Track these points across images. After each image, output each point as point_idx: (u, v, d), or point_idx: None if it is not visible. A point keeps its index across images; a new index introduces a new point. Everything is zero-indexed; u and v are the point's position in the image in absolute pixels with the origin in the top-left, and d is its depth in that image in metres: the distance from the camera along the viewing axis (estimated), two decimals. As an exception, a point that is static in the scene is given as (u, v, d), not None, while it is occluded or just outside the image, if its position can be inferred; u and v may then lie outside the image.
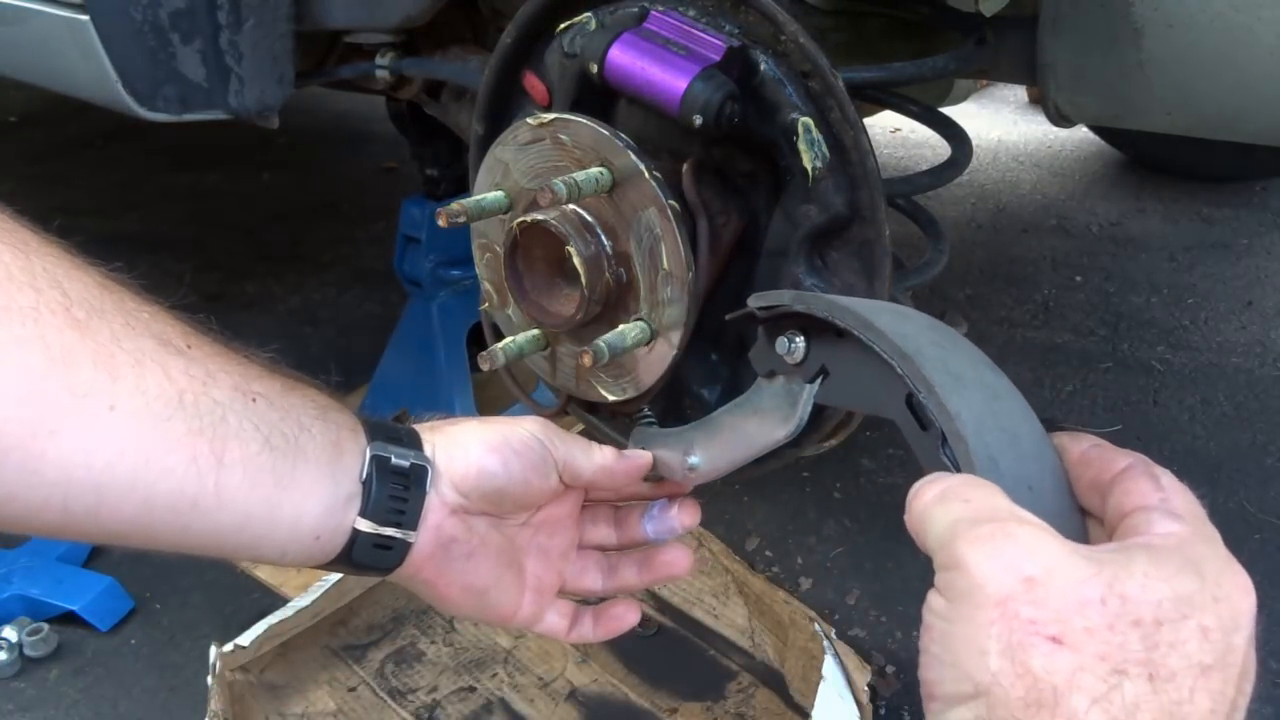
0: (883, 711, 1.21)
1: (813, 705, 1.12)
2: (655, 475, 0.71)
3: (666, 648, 1.29)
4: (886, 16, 1.18)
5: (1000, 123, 3.39)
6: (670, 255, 0.70)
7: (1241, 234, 2.50)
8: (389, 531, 0.60)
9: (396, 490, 0.60)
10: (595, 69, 0.73)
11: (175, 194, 2.80)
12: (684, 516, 0.71)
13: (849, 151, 0.69)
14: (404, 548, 0.61)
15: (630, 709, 1.20)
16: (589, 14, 0.76)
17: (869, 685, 1.19)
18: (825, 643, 1.20)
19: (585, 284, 0.72)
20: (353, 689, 1.22)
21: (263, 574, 1.40)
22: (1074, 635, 0.38)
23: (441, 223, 0.72)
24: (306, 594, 1.27)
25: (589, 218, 0.73)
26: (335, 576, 1.29)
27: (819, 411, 0.62)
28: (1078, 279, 2.30)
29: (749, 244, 0.78)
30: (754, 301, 0.61)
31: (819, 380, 0.59)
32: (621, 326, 0.73)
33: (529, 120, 0.75)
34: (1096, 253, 2.43)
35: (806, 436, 0.76)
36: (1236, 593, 0.41)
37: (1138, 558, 0.40)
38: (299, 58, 1.18)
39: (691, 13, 0.73)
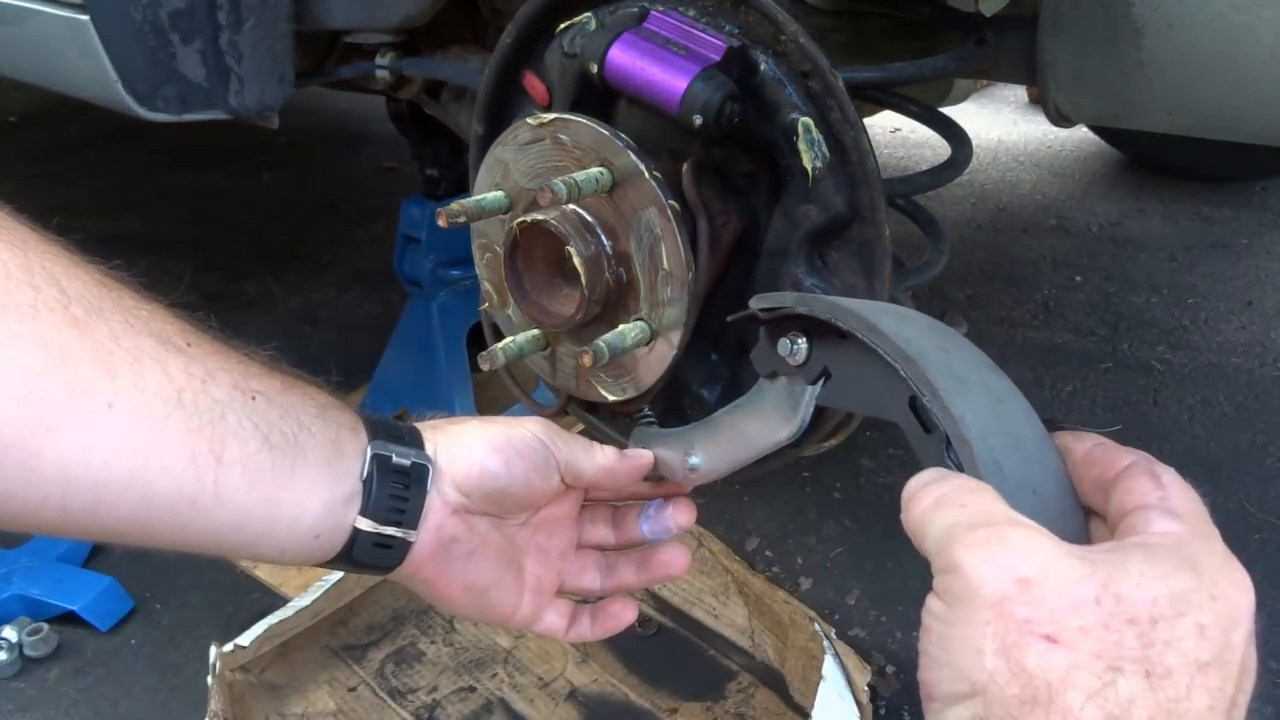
0: (883, 711, 1.21)
1: (813, 705, 1.12)
2: (656, 475, 0.71)
3: (666, 648, 1.29)
4: (886, 16, 1.18)
5: (1000, 123, 3.39)
6: (670, 255, 0.70)
7: (1241, 234, 2.50)
8: (389, 530, 0.60)
9: (397, 489, 0.60)
10: (595, 69, 0.73)
11: (175, 194, 2.80)
12: (679, 516, 0.71)
13: (849, 151, 0.69)
14: (404, 547, 0.61)
15: (630, 709, 1.20)
16: (589, 14, 0.76)
17: (869, 685, 1.19)
18: (825, 643, 1.20)
19: (585, 284, 0.72)
20: (353, 689, 1.22)
21: (263, 574, 1.40)
22: (1069, 634, 0.39)
23: (441, 223, 0.72)
24: (306, 594, 1.27)
25: (589, 218, 0.73)
26: (335, 576, 1.29)
27: (819, 412, 0.62)
28: (1078, 279, 2.30)
29: (749, 244, 0.78)
30: (756, 303, 0.61)
31: (821, 382, 0.59)
32: (621, 326, 0.73)
33: (529, 120, 0.75)
34: (1096, 253, 2.43)
35: (807, 436, 0.76)
36: (1234, 590, 0.41)
37: (1134, 557, 0.41)
38: (299, 58, 1.18)
39: (691, 13, 0.73)
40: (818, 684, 1.14)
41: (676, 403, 0.81)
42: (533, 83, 0.81)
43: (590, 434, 0.84)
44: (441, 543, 0.63)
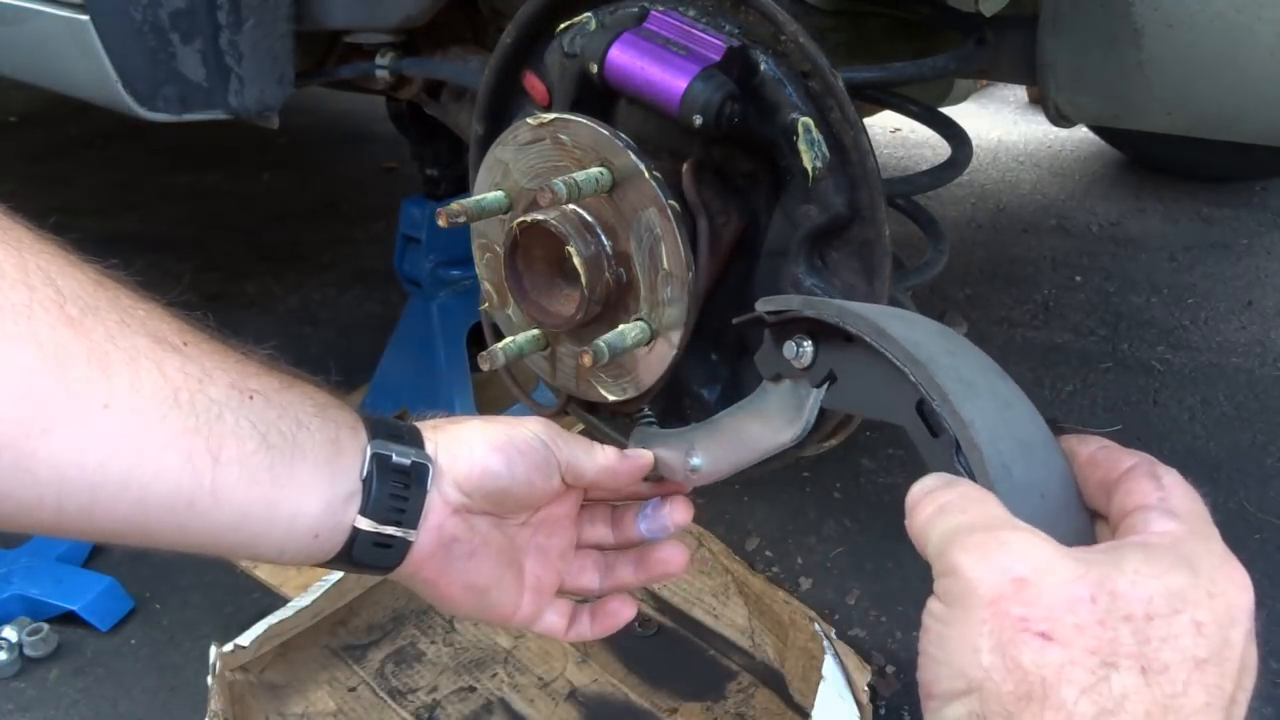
0: (883, 711, 1.21)
1: (813, 705, 1.12)
2: (656, 476, 0.71)
3: (666, 648, 1.29)
4: (886, 16, 1.18)
5: (1000, 123, 3.39)
6: (670, 255, 0.70)
7: (1241, 234, 2.50)
8: (389, 530, 0.60)
9: (397, 489, 0.60)
10: (595, 69, 0.73)
11: (175, 194, 2.80)
12: (676, 514, 0.71)
13: (849, 151, 0.69)
14: (404, 546, 0.61)
15: (630, 709, 1.20)
16: (589, 14, 0.76)
17: (869, 685, 1.19)
18: (825, 643, 1.20)
19: (585, 284, 0.72)
20: (353, 689, 1.22)
21: (263, 574, 1.40)
22: (1064, 631, 0.39)
23: (441, 223, 0.72)
24: (306, 594, 1.27)
25: (589, 218, 0.73)
26: (335, 576, 1.29)
27: (820, 413, 0.62)
28: (1078, 279, 2.30)
29: (749, 244, 0.78)
30: (762, 306, 0.60)
31: (826, 385, 0.59)
32: (621, 326, 0.73)
33: (529, 120, 0.75)
34: (1096, 253, 2.43)
35: (807, 437, 0.76)
36: (1233, 589, 0.42)
37: (1130, 556, 0.41)
38: (299, 58, 1.18)
39: (691, 13, 0.73)
40: (818, 684, 1.14)
41: (676, 403, 0.81)
42: (533, 83, 0.81)
43: (590, 434, 0.84)
44: (442, 542, 0.63)
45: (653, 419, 0.77)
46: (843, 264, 0.73)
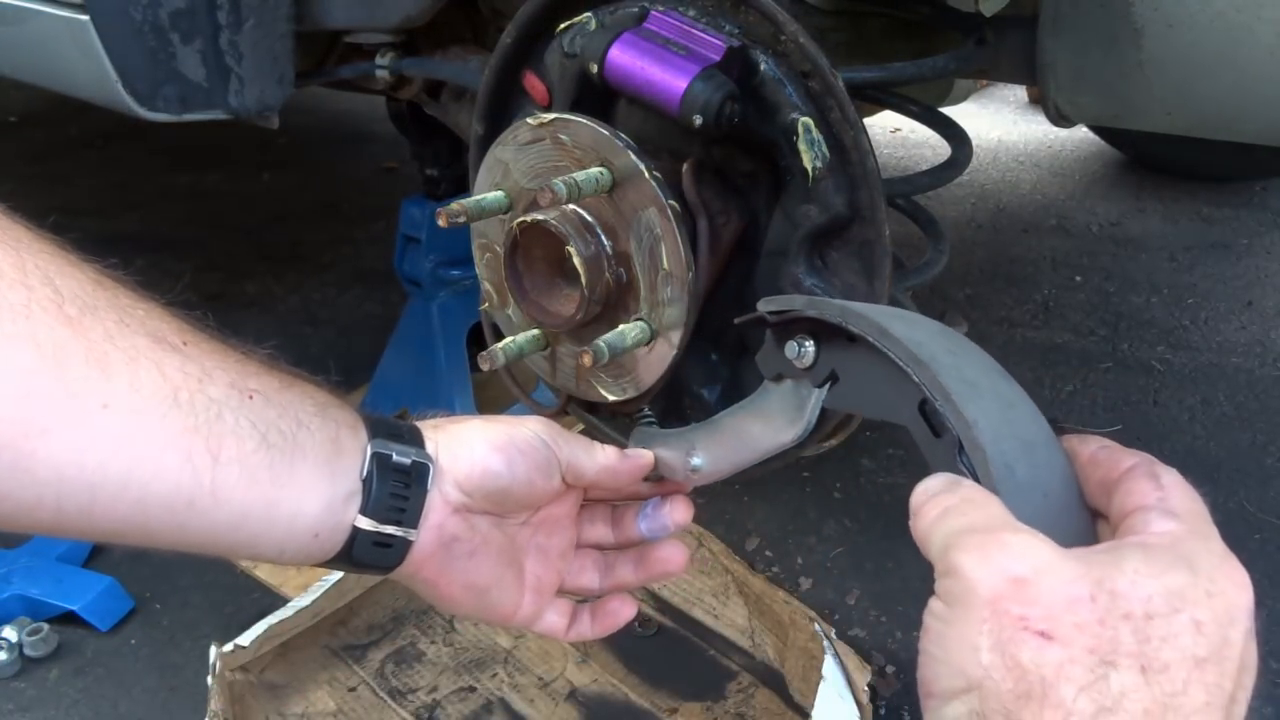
0: (883, 711, 1.21)
1: (813, 705, 1.12)
2: (656, 476, 0.71)
3: (666, 648, 1.29)
4: (886, 16, 1.18)
5: (1000, 123, 3.39)
6: (670, 255, 0.70)
7: (1241, 234, 2.50)
8: (389, 529, 0.60)
9: (397, 488, 0.60)
10: (595, 69, 0.73)
11: (175, 194, 2.80)
12: (676, 514, 0.71)
13: (849, 151, 0.69)
14: (404, 546, 0.61)
15: (630, 709, 1.20)
16: (589, 14, 0.76)
17: (869, 685, 1.19)
18: (825, 643, 1.20)
19: (585, 284, 0.72)
20: (353, 689, 1.22)
21: (263, 574, 1.40)
22: (1063, 630, 0.40)
23: (441, 223, 0.72)
24: (306, 594, 1.27)
25: (589, 218, 0.73)
26: (335, 576, 1.29)
27: (821, 413, 0.62)
28: (1078, 279, 2.30)
29: (749, 244, 0.78)
30: (764, 306, 0.60)
31: (828, 385, 0.59)
32: (621, 326, 0.73)
33: (529, 120, 0.75)
34: (1096, 253, 2.43)
35: (808, 437, 0.76)
36: (1232, 588, 0.42)
37: (1129, 556, 0.42)
38: (299, 58, 1.18)
39: (691, 13, 0.73)
40: (818, 684, 1.14)
41: (676, 403, 0.81)
42: (533, 83, 0.81)
43: (590, 434, 0.84)
44: (442, 542, 0.63)
45: (653, 419, 0.77)
46: (843, 264, 0.73)
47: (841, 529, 1.51)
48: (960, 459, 0.49)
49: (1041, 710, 0.39)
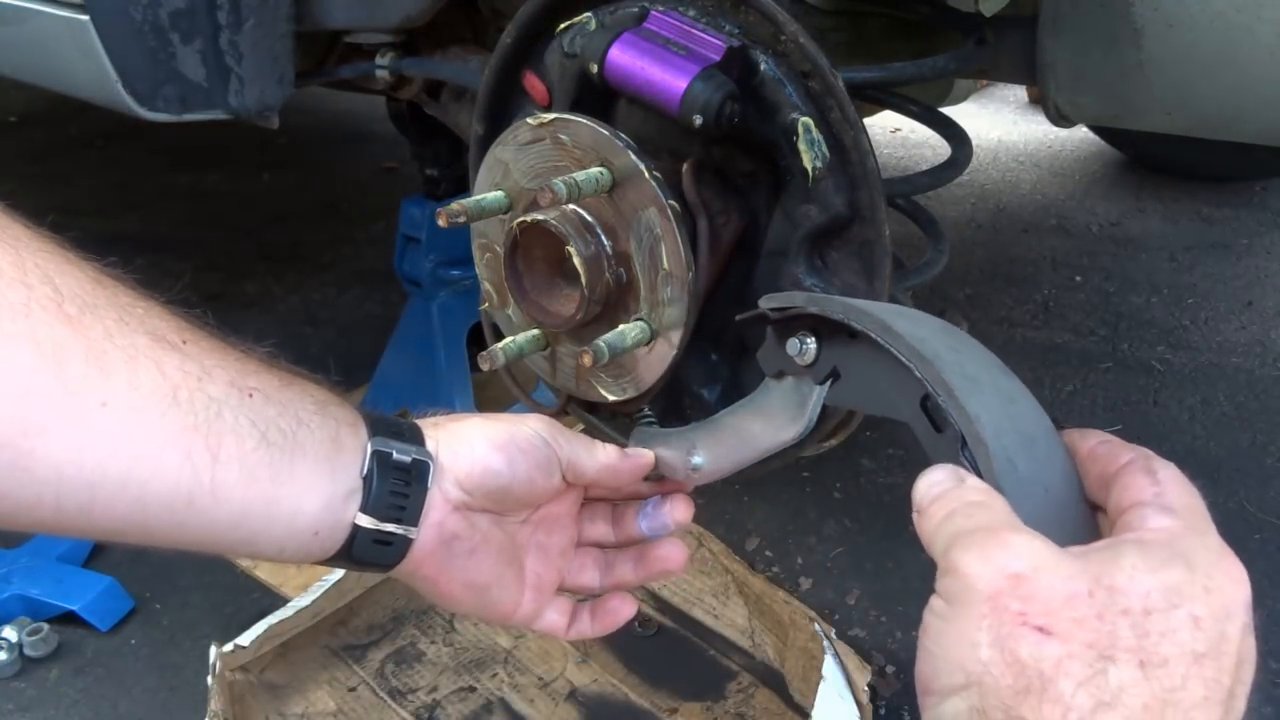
0: (883, 711, 1.21)
1: (813, 705, 1.12)
2: (657, 475, 0.71)
3: (666, 648, 1.29)
4: (886, 16, 1.18)
5: (1000, 123, 3.39)
6: (670, 255, 0.70)
7: (1241, 234, 2.50)
8: (389, 527, 0.60)
9: (398, 486, 0.60)
10: (595, 69, 0.73)
11: (175, 194, 2.80)
12: (676, 512, 0.71)
13: (849, 151, 0.69)
14: (405, 544, 0.61)
15: (630, 709, 1.20)
16: (589, 14, 0.76)
17: (869, 685, 1.19)
18: (825, 643, 1.20)
19: (585, 284, 0.72)
20: (353, 689, 1.22)
21: (263, 574, 1.40)
22: (1062, 625, 0.40)
23: (441, 223, 0.72)
24: (306, 594, 1.27)
25: (589, 218, 0.73)
26: (335, 576, 1.29)
27: (822, 410, 0.62)
28: (1078, 279, 2.30)
29: (749, 244, 0.78)
30: (766, 303, 0.61)
31: (829, 382, 0.59)
32: (621, 326, 0.73)
33: (529, 120, 0.75)
34: (1096, 253, 2.43)
35: (808, 437, 0.76)
36: (1229, 583, 0.42)
37: (1126, 552, 0.42)
38: (299, 58, 1.18)
39: (691, 13, 0.73)
40: (818, 684, 1.14)
41: (676, 402, 0.81)
42: (533, 83, 0.81)
43: (591, 434, 0.84)
44: (442, 540, 0.63)
45: (653, 419, 0.77)
46: (843, 264, 0.73)
47: (841, 529, 1.51)
48: (963, 454, 0.49)
49: (1041, 705, 0.39)
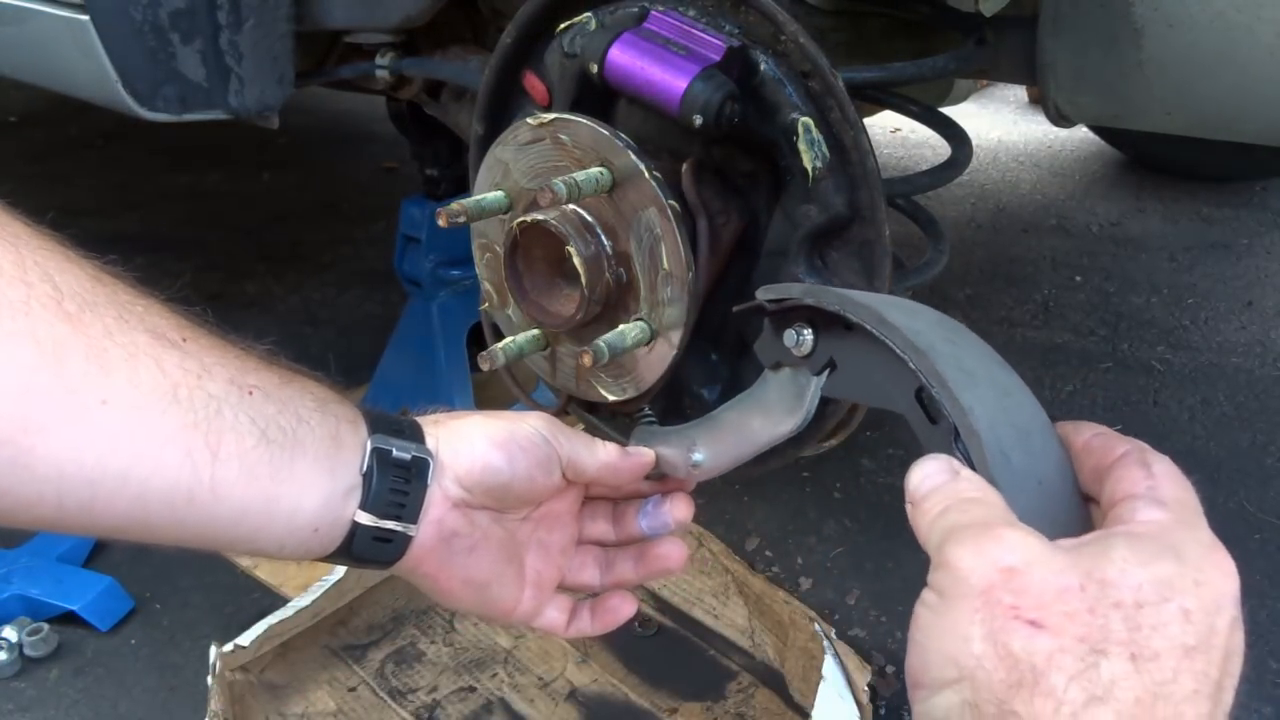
0: (883, 711, 1.21)
1: (813, 705, 1.12)
2: (658, 474, 0.71)
3: (666, 648, 1.29)
4: (886, 16, 1.18)
5: (1000, 123, 3.39)
6: (670, 255, 0.70)
7: (1241, 234, 2.50)
8: (389, 524, 0.60)
9: (397, 483, 0.60)
10: (595, 69, 0.73)
11: (175, 194, 2.80)
12: (677, 511, 0.71)
13: (849, 151, 0.69)
14: (404, 541, 0.61)
15: (630, 709, 1.20)
16: (589, 14, 0.76)
17: (869, 685, 1.19)
18: (825, 643, 1.20)
19: (585, 284, 0.72)
20: (353, 689, 1.22)
21: (263, 574, 1.40)
22: (1053, 619, 0.40)
23: (441, 223, 0.72)
24: (306, 594, 1.27)
25: (589, 218, 0.73)
26: (335, 576, 1.29)
27: (821, 410, 0.62)
28: (1078, 279, 2.30)
29: (749, 244, 0.78)
30: (763, 294, 0.61)
31: (826, 373, 0.60)
32: (621, 326, 0.73)
33: (529, 120, 0.75)
34: (1096, 253, 2.43)
35: (807, 436, 0.76)
36: (1219, 576, 0.42)
37: (1117, 545, 0.42)
38: (299, 58, 1.18)
39: (691, 13, 0.73)
40: (818, 684, 1.14)
41: (676, 402, 0.81)
42: (533, 83, 0.81)
43: (591, 434, 0.84)
44: (442, 537, 0.63)
45: (653, 418, 0.77)
46: (843, 264, 0.73)
47: (841, 529, 1.51)
48: (956, 446, 0.49)
49: (1033, 698, 0.39)
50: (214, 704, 1.10)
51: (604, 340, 0.70)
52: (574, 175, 0.69)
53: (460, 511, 0.63)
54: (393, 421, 0.63)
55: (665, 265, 0.71)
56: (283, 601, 1.31)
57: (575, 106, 0.77)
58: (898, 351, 0.52)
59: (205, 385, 0.53)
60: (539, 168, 0.75)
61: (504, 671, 1.24)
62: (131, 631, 1.34)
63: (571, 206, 0.72)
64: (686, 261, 0.70)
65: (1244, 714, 1.16)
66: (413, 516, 0.61)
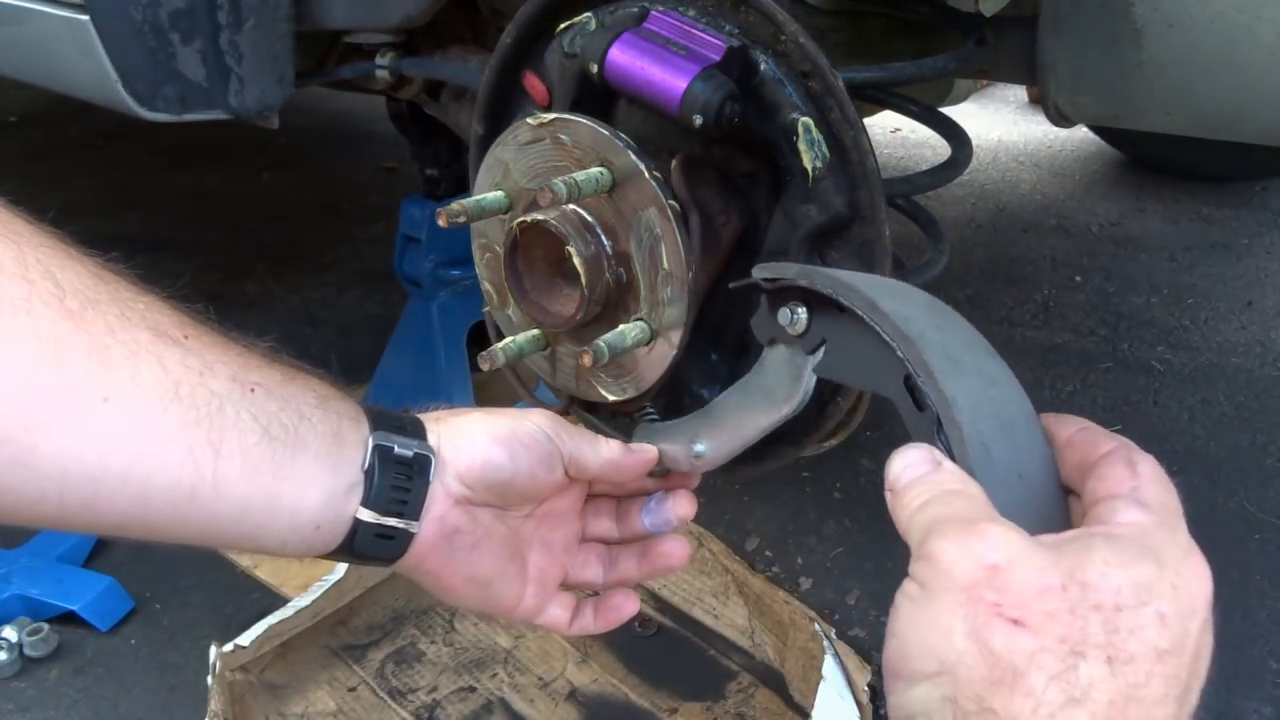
0: (883, 712, 1.21)
1: (813, 705, 1.12)
2: (662, 470, 0.71)
3: (666, 648, 1.29)
4: (886, 16, 1.18)
5: (1000, 123, 3.39)
6: (670, 255, 0.70)
7: (1241, 234, 2.50)
8: (391, 521, 0.60)
9: (399, 480, 0.60)
10: (595, 69, 0.73)
11: (175, 194, 2.80)
12: (679, 507, 0.71)
13: (849, 151, 0.69)
14: (406, 538, 0.61)
15: (630, 709, 1.20)
16: (589, 14, 0.76)
17: (869, 685, 1.19)
18: (825, 643, 1.20)
19: (585, 284, 0.72)
20: (353, 689, 1.22)
21: (263, 574, 1.40)
22: (1035, 618, 0.40)
23: (441, 223, 0.72)
24: (306, 594, 1.27)
25: (589, 218, 0.73)
26: (335, 576, 1.29)
27: (821, 408, 0.62)
28: (1078, 279, 2.30)
29: (749, 244, 0.78)
30: (759, 272, 0.61)
31: (820, 352, 0.60)
32: (621, 326, 0.73)
33: (529, 120, 0.75)
34: (1096, 253, 2.43)
35: (807, 436, 0.76)
36: (1195, 580, 0.43)
37: (1098, 546, 0.43)
38: (299, 58, 1.18)
39: (691, 13, 0.73)
40: (818, 684, 1.14)
41: (676, 402, 0.81)
42: (533, 83, 0.81)
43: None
44: (444, 534, 0.63)
45: (655, 414, 0.77)
46: (843, 264, 0.73)
47: (841, 529, 1.51)
48: (939, 436, 0.49)
49: (1012, 697, 0.39)
50: (214, 704, 1.10)
51: (604, 340, 0.70)
52: (574, 175, 0.69)
53: (462, 508, 0.63)
54: (394, 418, 0.63)
55: (665, 265, 0.71)
56: (283, 601, 1.31)
57: (575, 106, 0.77)
58: (886, 338, 0.52)
59: (207, 382, 0.53)
60: (539, 168, 0.75)
61: (504, 671, 1.24)
62: (131, 631, 1.34)
63: (571, 206, 0.72)
64: (686, 261, 0.70)
65: (1244, 714, 1.16)
66: (415, 513, 0.61)
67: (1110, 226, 2.58)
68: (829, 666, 1.16)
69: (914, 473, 0.48)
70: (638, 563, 0.73)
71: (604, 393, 0.80)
